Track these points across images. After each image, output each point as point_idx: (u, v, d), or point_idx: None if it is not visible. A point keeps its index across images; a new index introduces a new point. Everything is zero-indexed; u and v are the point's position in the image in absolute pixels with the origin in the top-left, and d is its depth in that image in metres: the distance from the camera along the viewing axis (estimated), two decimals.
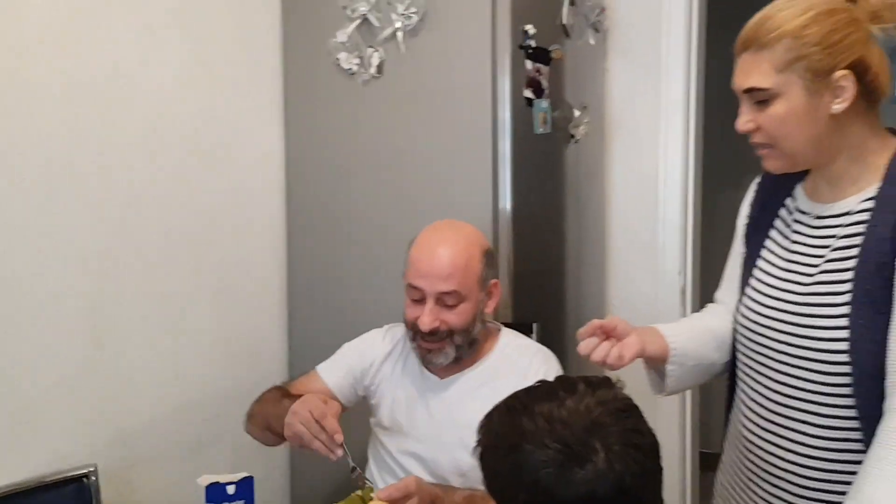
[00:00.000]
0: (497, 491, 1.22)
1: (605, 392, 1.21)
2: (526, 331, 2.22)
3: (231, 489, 1.91)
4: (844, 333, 1.45)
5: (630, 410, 1.21)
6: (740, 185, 3.47)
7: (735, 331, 1.70)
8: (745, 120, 1.51)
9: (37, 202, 1.96)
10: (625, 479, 1.13)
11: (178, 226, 2.30)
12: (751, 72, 1.48)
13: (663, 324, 1.74)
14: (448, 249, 1.86)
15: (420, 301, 1.87)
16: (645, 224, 3.03)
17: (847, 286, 1.45)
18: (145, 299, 2.22)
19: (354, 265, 2.55)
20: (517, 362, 1.95)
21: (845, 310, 1.45)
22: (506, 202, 2.33)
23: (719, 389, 1.75)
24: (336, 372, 2.06)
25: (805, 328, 1.51)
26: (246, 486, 1.94)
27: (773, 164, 1.56)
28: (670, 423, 3.03)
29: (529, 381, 1.87)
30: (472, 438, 1.86)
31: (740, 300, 1.68)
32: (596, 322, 1.61)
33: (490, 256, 1.95)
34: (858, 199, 1.49)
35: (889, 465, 1.31)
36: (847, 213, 1.50)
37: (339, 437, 1.73)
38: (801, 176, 1.64)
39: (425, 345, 1.90)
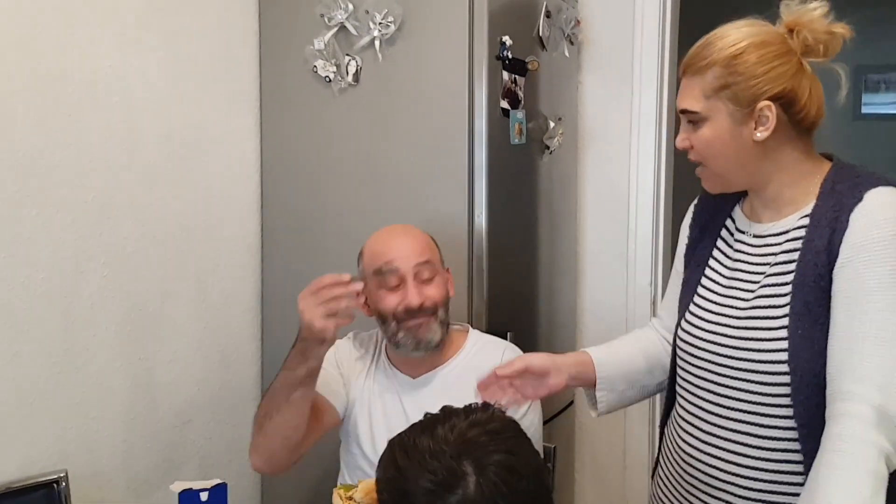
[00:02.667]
0: None
1: (481, 415, 1.23)
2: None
3: (204, 496, 1.91)
4: (783, 344, 1.50)
5: (507, 430, 1.22)
6: None
7: (676, 348, 1.74)
8: (681, 138, 1.60)
9: (9, 204, 1.94)
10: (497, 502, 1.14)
11: (152, 231, 2.29)
12: (685, 94, 1.57)
13: (597, 348, 1.85)
14: (407, 233, 2.01)
15: (396, 286, 1.92)
16: (617, 235, 3.05)
17: (786, 299, 1.51)
18: (117, 304, 2.20)
19: (328, 273, 2.54)
20: (488, 358, 1.97)
21: (784, 321, 1.51)
22: (481, 211, 2.34)
23: None
24: (324, 381, 2.01)
25: (746, 340, 1.56)
26: (219, 492, 1.93)
27: (708, 184, 1.65)
28: (639, 435, 3.06)
29: None
30: None
31: (682, 318, 1.72)
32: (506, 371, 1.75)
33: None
34: (796, 217, 1.56)
35: (838, 470, 1.35)
36: (785, 232, 1.56)
37: (359, 286, 1.76)
38: (738, 198, 1.71)
39: (413, 323, 1.92)
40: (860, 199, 1.46)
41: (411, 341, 1.94)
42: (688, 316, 1.70)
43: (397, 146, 2.43)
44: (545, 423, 2.12)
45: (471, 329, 2.10)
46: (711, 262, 1.70)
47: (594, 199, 3.08)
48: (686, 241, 1.81)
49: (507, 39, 2.36)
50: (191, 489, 1.91)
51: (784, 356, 1.50)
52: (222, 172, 2.52)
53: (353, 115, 2.47)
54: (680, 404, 1.73)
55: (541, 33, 2.62)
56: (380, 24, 2.37)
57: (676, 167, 3.15)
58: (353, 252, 2.46)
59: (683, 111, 1.57)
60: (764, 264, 1.58)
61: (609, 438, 3.09)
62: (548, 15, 2.65)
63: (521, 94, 2.47)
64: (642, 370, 1.84)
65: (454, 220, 2.33)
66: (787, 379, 1.50)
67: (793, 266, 1.52)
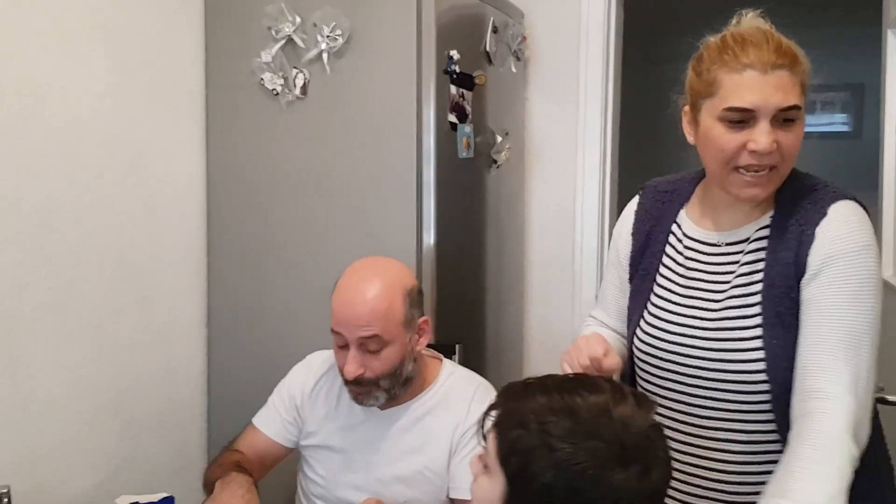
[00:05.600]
0: (516, 463, 1.20)
1: (647, 411, 1.24)
2: (449, 351, 2.24)
3: None
4: (760, 354, 1.51)
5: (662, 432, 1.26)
6: None
7: (636, 359, 1.72)
8: (771, 140, 1.46)
9: None
10: (658, 490, 1.19)
11: (96, 244, 2.26)
12: (789, 90, 1.46)
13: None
14: (368, 295, 1.78)
15: (344, 347, 1.81)
16: (563, 249, 3.09)
17: (756, 309, 1.53)
18: (60, 318, 2.16)
19: (274, 287, 2.54)
20: (460, 394, 1.92)
21: (758, 332, 1.52)
22: (430, 223, 2.36)
23: None
24: (272, 419, 2.01)
25: (720, 352, 1.56)
26: None
27: (765, 191, 1.52)
28: None
29: (472, 413, 1.86)
30: (409, 471, 1.85)
31: (638, 328, 1.70)
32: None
33: (415, 295, 1.87)
34: (755, 226, 1.57)
35: (818, 464, 1.34)
36: (746, 240, 1.57)
37: None
38: (681, 203, 1.70)
39: (353, 389, 1.84)
40: (825, 214, 1.49)
41: (352, 398, 1.88)
42: (644, 326, 1.69)
43: (345, 158, 2.43)
44: None
45: (444, 360, 2.01)
46: (662, 270, 1.69)
47: (541, 212, 3.12)
48: (629, 248, 1.77)
49: (454, 54, 2.39)
50: (137, 503, 1.89)
51: (762, 366, 1.51)
52: (167, 185, 2.50)
53: (301, 129, 2.47)
54: None
55: (488, 48, 2.65)
56: (328, 37, 2.37)
57: (621, 181, 3.21)
58: (298, 266, 2.47)
59: (790, 108, 1.46)
60: (728, 272, 1.58)
61: None
62: (495, 30, 2.68)
63: (468, 108, 2.49)
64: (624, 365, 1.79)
65: (402, 233, 2.35)
66: (766, 387, 1.52)
67: (758, 276, 1.54)
